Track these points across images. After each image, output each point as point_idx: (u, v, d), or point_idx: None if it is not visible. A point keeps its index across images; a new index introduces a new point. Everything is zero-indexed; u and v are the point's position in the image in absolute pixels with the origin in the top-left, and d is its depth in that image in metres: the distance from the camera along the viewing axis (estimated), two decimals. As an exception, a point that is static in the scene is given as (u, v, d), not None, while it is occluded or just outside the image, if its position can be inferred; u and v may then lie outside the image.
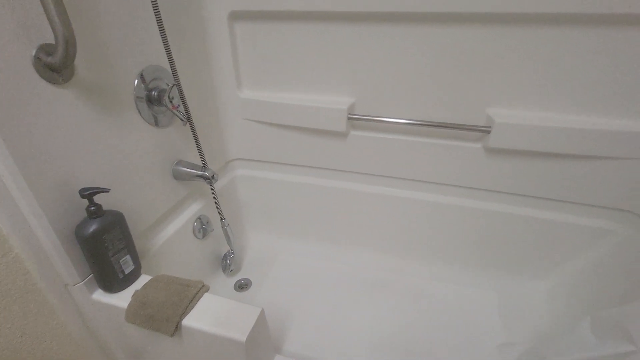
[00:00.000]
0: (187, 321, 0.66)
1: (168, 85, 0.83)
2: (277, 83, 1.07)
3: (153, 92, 0.82)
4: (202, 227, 1.08)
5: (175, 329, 0.66)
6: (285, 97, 1.07)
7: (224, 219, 1.08)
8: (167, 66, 0.79)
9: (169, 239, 0.95)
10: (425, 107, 0.98)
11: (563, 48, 0.81)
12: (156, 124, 0.87)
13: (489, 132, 0.92)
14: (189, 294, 0.70)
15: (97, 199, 0.68)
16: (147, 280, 0.75)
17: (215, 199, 1.03)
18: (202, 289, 0.73)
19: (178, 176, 0.95)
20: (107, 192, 0.67)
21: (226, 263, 1.17)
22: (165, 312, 0.67)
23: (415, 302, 1.11)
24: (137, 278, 0.77)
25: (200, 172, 0.95)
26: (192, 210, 1.05)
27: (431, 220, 1.14)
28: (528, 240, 1.08)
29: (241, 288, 1.18)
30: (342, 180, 1.18)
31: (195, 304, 0.70)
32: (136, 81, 0.78)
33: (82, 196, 0.63)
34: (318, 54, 0.98)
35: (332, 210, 1.23)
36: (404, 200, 1.14)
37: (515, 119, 0.90)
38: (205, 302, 0.70)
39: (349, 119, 1.02)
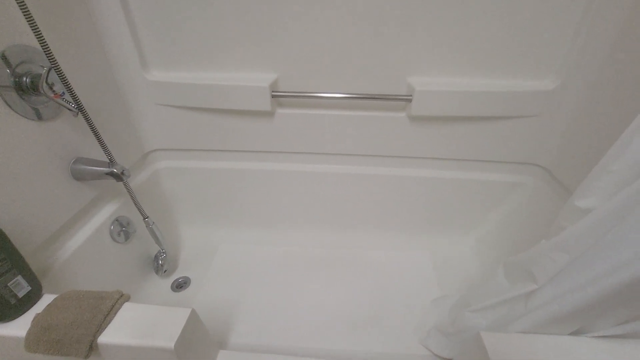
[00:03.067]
0: (104, 338, 0.59)
1: (44, 69, 0.69)
2: (189, 62, 0.96)
3: (24, 79, 0.68)
4: (122, 230, 0.97)
5: (90, 349, 0.58)
6: (200, 77, 0.97)
7: (147, 217, 0.97)
8: (38, 45, 0.64)
9: (80, 249, 0.84)
10: (350, 79, 0.96)
11: (470, 13, 0.84)
12: (38, 117, 0.72)
13: (410, 100, 0.94)
14: (103, 308, 0.63)
15: (-39, 215, 0.55)
16: (51, 301, 0.64)
17: (132, 197, 0.92)
18: (121, 299, 0.66)
19: (79, 176, 0.82)
20: (-30, 206, 0.54)
21: (158, 264, 1.08)
22: (74, 332, 0.59)
23: (357, 273, 1.14)
24: (38, 299, 0.66)
25: (107, 169, 0.83)
26: (107, 212, 0.93)
27: (364, 191, 1.17)
28: (453, 200, 1.16)
29: (179, 288, 1.10)
30: (273, 161, 1.14)
31: (113, 317, 0.62)
32: (-5, 66, 0.63)
33: None
34: (231, 26, 0.90)
35: (266, 193, 1.19)
36: (336, 175, 1.14)
37: (433, 85, 0.93)
38: (126, 313, 0.63)
39: (273, 96, 0.96)
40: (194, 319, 0.65)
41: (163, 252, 1.07)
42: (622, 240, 0.45)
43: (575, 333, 0.58)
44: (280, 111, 1.02)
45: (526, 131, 1.01)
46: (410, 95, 0.94)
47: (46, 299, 0.66)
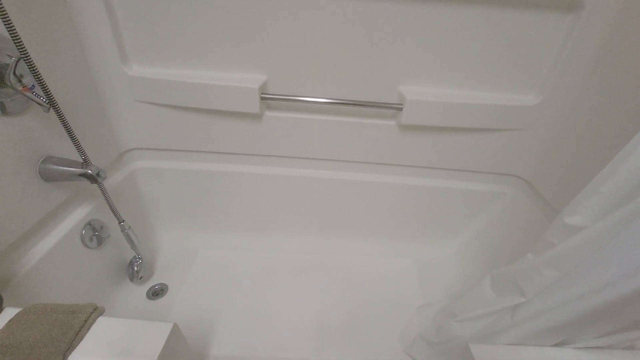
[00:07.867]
0: (76, 357, 0.54)
1: (12, 59, 0.62)
2: (174, 57, 0.91)
3: (-12, 69, 0.61)
4: (94, 235, 0.90)
5: (59, 370, 0.53)
6: (185, 74, 0.92)
7: (123, 221, 0.91)
8: (6, 32, 0.58)
9: (47, 256, 0.77)
10: (341, 85, 0.95)
11: (460, 28, 0.85)
12: (2, 111, 0.66)
13: (401, 109, 0.94)
14: (74, 323, 0.57)
15: None
16: (13, 316, 0.58)
17: (107, 200, 0.86)
18: (94, 312, 0.61)
19: (49, 177, 0.75)
20: None
21: (133, 270, 1.01)
22: (41, 352, 0.53)
23: (341, 280, 1.13)
24: (-2, 315, 0.59)
25: (80, 170, 0.77)
26: (78, 215, 0.86)
27: (350, 197, 1.16)
28: (437, 208, 1.18)
29: (155, 295, 1.04)
30: (258, 165, 1.10)
31: (86, 333, 0.57)
32: (-47, 53, 0.56)
33: None
34: (221, 23, 0.86)
35: (250, 197, 1.16)
36: (322, 180, 1.12)
37: (423, 95, 0.93)
38: (100, 328, 0.58)
39: (262, 98, 0.93)
40: (175, 334, 0.61)
41: (139, 258, 1.01)
42: (610, 259, 0.47)
43: (558, 344, 0.59)
44: (269, 114, 1.00)
45: (509, 143, 1.04)
46: (401, 104, 0.94)
47: (7, 314, 0.60)
